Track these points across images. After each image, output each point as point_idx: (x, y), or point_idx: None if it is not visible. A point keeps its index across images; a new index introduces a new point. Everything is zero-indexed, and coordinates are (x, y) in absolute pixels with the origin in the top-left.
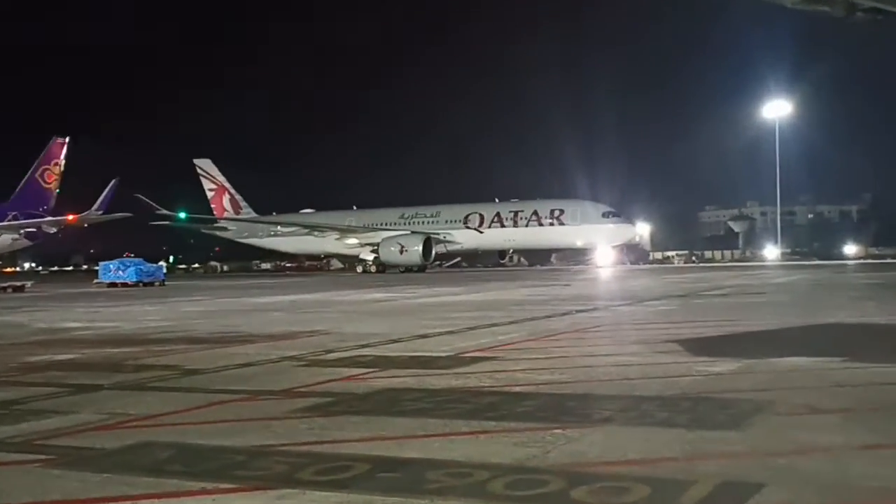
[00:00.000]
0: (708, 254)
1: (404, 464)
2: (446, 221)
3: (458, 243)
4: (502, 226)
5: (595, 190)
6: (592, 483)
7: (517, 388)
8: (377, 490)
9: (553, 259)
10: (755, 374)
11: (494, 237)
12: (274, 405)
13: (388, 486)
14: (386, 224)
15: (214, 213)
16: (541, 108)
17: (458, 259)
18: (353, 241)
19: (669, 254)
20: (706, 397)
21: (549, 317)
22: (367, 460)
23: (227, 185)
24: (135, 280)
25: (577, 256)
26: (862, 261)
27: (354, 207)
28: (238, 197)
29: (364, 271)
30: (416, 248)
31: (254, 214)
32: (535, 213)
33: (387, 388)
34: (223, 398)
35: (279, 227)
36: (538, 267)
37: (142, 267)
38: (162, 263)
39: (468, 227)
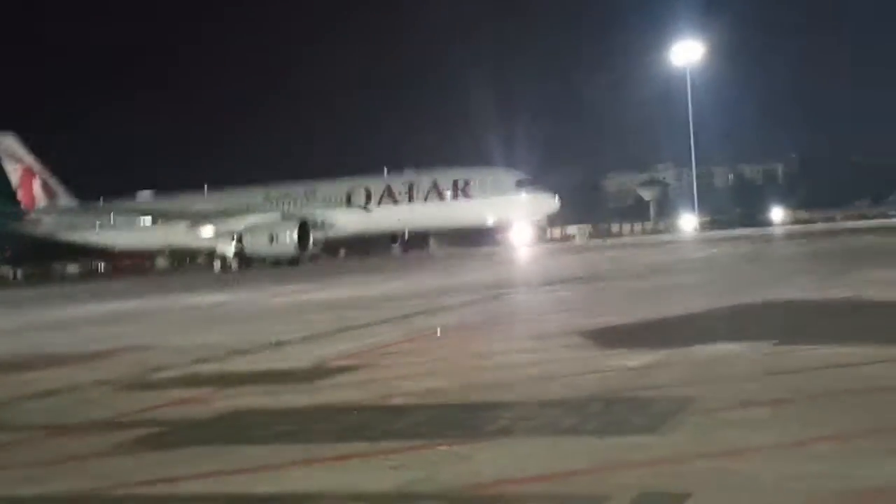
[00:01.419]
0: (615, 227)
1: (258, 501)
2: (324, 200)
3: (339, 226)
4: (395, 202)
5: (478, 154)
6: None
7: (393, 401)
8: None
9: (431, 243)
10: (675, 367)
11: (385, 217)
12: (90, 441)
13: None
14: (248, 207)
15: (22, 202)
16: (427, 63)
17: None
18: (208, 230)
19: (570, 230)
20: (619, 397)
21: (430, 312)
22: (212, 500)
23: (37, 166)
24: None
25: (480, 237)
26: (790, 227)
27: (206, 188)
28: (53, 181)
29: (224, 268)
30: (289, 234)
31: (76, 203)
32: (435, 184)
33: (232, 410)
34: (21, 437)
35: (112, 218)
36: (447, 250)
37: None
38: None
39: (352, 207)
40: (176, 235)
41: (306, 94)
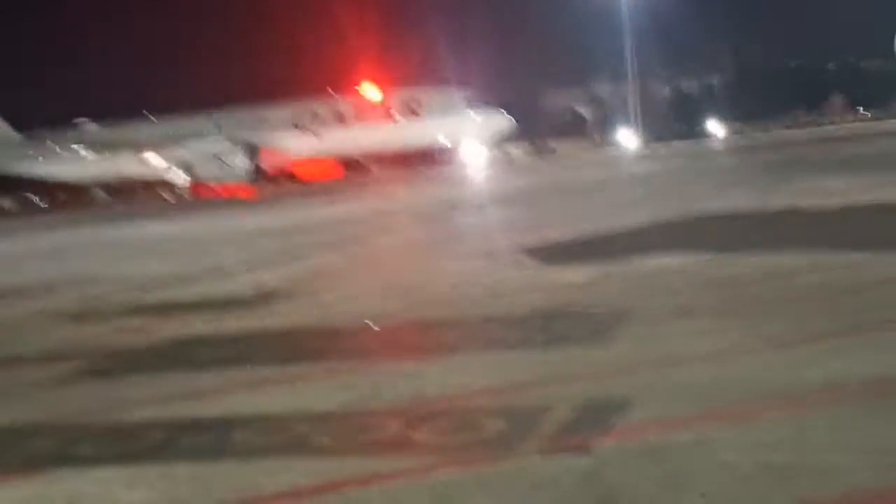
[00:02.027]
0: (554, 145)
1: (205, 426)
2: (272, 125)
3: (290, 152)
4: (344, 125)
5: (408, 72)
6: (436, 421)
7: (336, 323)
8: (176, 458)
9: (370, 168)
10: (615, 280)
11: (335, 141)
12: (31, 372)
13: (189, 453)
14: (196, 134)
15: None
16: None
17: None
18: (156, 158)
19: (508, 148)
20: (560, 311)
21: (370, 235)
22: (160, 426)
23: None
24: None
25: (423, 159)
26: (727, 139)
27: (148, 115)
28: None
29: (175, 197)
30: (238, 161)
31: (12, 134)
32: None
33: (175, 338)
34: None
35: (56, 148)
36: (404, 172)
37: None
38: None
39: (301, 131)
40: (125, 165)
41: (247, 13)
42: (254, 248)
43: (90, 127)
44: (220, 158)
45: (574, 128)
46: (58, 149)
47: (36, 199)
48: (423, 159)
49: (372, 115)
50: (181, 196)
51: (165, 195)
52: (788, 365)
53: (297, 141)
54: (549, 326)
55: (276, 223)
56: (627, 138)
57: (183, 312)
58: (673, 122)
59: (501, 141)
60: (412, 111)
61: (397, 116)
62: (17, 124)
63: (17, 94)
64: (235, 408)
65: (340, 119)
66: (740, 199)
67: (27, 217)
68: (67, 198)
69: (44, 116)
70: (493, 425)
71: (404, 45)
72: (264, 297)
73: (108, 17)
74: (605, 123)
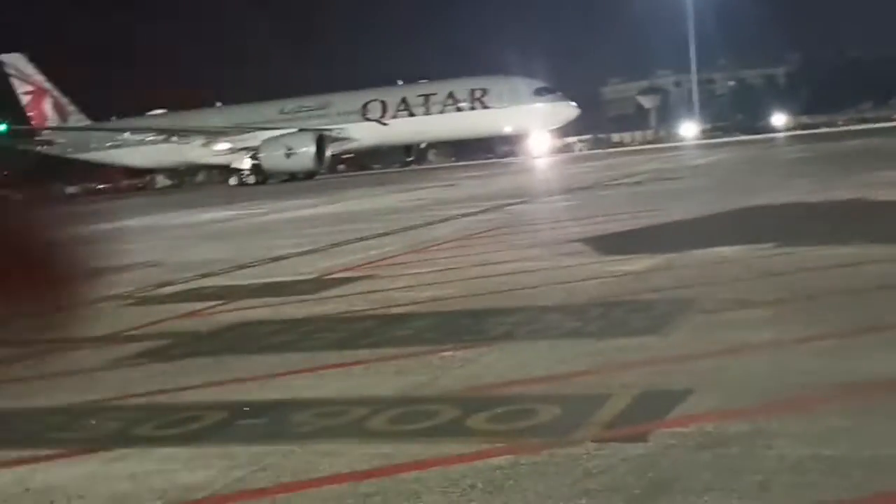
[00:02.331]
0: (615, 137)
1: (266, 408)
2: (339, 114)
3: (355, 140)
4: (411, 114)
5: (477, 63)
6: (492, 408)
7: (396, 310)
8: (236, 440)
9: (430, 157)
10: (675, 270)
11: (402, 129)
12: (98, 354)
13: (249, 434)
14: (263, 122)
15: (33, 122)
16: None
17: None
18: (223, 145)
19: (569, 140)
20: (619, 301)
21: (432, 223)
22: (221, 407)
23: (47, 85)
24: None
25: (484, 149)
26: (791, 132)
27: (219, 104)
28: (64, 100)
29: (240, 183)
30: (306, 148)
31: (87, 122)
32: (451, 95)
33: (237, 322)
34: (28, 350)
35: (126, 135)
36: (464, 162)
37: None
38: None
39: (368, 119)
40: (191, 152)
41: (316, 6)
42: (314, 235)
43: (157, 112)
44: (287, 146)
45: (636, 119)
46: (129, 135)
47: (100, 184)
48: (489, 148)
49: (438, 104)
50: (246, 183)
51: (232, 182)
52: (849, 357)
53: (363, 129)
54: (607, 315)
55: (338, 211)
56: (689, 130)
57: (243, 297)
58: (736, 113)
59: (565, 131)
60: (478, 100)
61: (463, 105)
62: (91, 113)
63: (92, 84)
64: (293, 391)
65: (407, 108)
66: (805, 191)
67: (92, 202)
68: (131, 183)
69: (117, 105)
70: (548, 412)
71: (471, 35)
72: (323, 283)
73: (178, 11)
74: (668, 115)
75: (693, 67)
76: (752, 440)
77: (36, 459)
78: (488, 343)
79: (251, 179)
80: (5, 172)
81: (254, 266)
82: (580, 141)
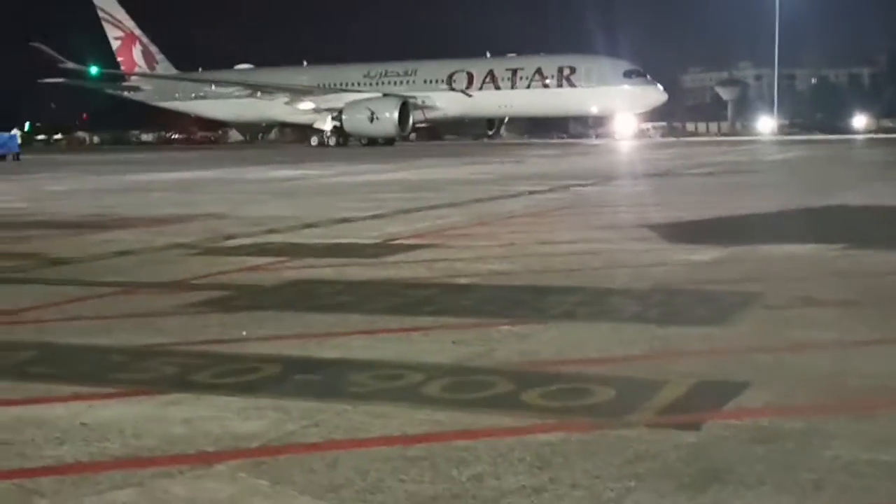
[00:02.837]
0: (690, 126)
1: (322, 365)
2: (425, 82)
3: (439, 109)
4: (496, 87)
5: (557, 40)
6: (546, 385)
7: (458, 280)
8: (289, 394)
9: (502, 132)
10: (742, 263)
11: (486, 102)
12: (160, 299)
13: (303, 390)
14: (347, 84)
15: (122, 67)
16: None
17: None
18: (307, 105)
19: (645, 126)
20: (683, 289)
21: (500, 198)
22: (277, 361)
23: (137, 31)
24: None
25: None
26: (873, 135)
27: (305, 63)
28: (153, 48)
29: (320, 143)
30: (389, 114)
31: (173, 71)
32: (539, 71)
33: (300, 279)
34: (96, 291)
35: (213, 87)
36: (537, 140)
37: None
38: (16, 132)
39: (453, 90)
40: (274, 109)
41: None
42: (384, 201)
43: (244, 67)
44: (371, 111)
45: (713, 110)
46: (214, 87)
47: (172, 134)
48: (563, 127)
49: (525, 79)
50: (327, 144)
51: (312, 141)
52: None
53: (448, 99)
54: (670, 302)
55: (411, 178)
56: (767, 125)
57: (307, 256)
58: (816, 112)
59: (641, 116)
60: (566, 78)
61: (550, 82)
62: (178, 62)
63: (182, 35)
64: (351, 352)
65: (493, 81)
66: (881, 194)
67: (164, 151)
68: (204, 136)
69: (206, 58)
70: (603, 394)
71: (552, 12)
72: (389, 249)
73: None
74: (745, 108)
75: (776, 62)
76: (808, 438)
77: (93, 396)
78: (547, 320)
79: (332, 141)
80: (84, 116)
81: (319, 226)
82: (654, 128)
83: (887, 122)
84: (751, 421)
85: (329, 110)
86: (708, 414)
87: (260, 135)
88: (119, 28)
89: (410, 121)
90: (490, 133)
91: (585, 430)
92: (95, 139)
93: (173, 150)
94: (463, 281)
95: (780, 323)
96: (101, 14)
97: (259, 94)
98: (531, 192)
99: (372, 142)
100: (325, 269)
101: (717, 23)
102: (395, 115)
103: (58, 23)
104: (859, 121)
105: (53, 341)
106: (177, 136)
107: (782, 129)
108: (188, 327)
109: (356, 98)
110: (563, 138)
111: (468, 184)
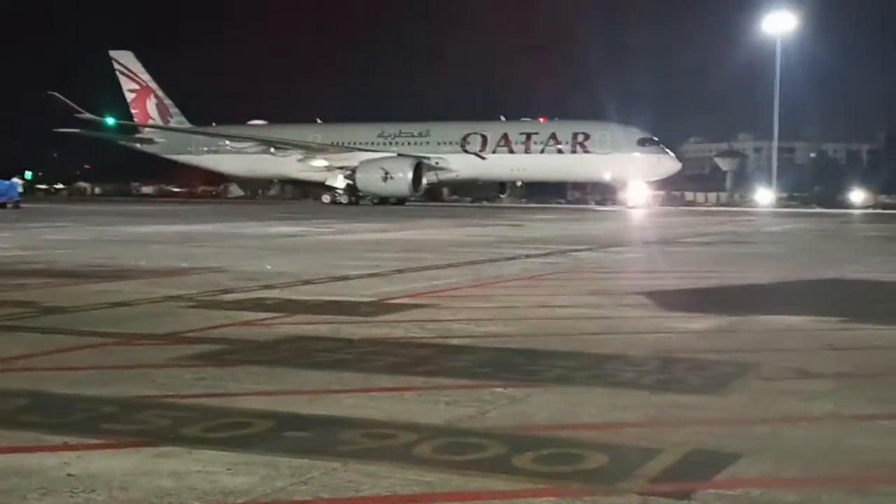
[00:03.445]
0: (689, 195)
1: (314, 422)
2: (438, 143)
3: (452, 171)
4: (510, 151)
5: (564, 108)
6: (539, 449)
7: (453, 341)
8: (281, 450)
9: (503, 197)
10: (738, 333)
11: (500, 165)
12: (155, 351)
13: (294, 447)
14: (360, 143)
15: (136, 119)
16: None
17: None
18: (321, 162)
19: (641, 193)
20: (679, 357)
21: (497, 261)
22: (270, 417)
23: (153, 85)
24: None
25: (598, 191)
26: (870, 210)
27: (319, 121)
28: (168, 102)
29: (333, 201)
30: (403, 174)
31: (187, 124)
32: (553, 136)
33: (295, 335)
34: (91, 341)
35: (227, 142)
36: (556, 203)
37: None
38: (16, 180)
39: (467, 152)
40: (288, 165)
41: (418, 39)
42: (382, 260)
43: (257, 123)
44: (385, 170)
45: (712, 180)
46: (228, 143)
47: (175, 188)
48: (561, 193)
49: (539, 144)
50: (339, 202)
51: (325, 199)
52: None
53: (461, 161)
54: (665, 370)
55: (410, 238)
56: (765, 196)
57: (303, 312)
58: (814, 185)
59: (595, 183)
60: (580, 143)
61: (564, 147)
62: (191, 116)
63: (196, 90)
64: (344, 410)
65: (507, 144)
66: (877, 269)
67: (164, 204)
68: (205, 190)
69: (217, 112)
70: (595, 459)
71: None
72: (385, 307)
73: (285, 30)
74: (744, 179)
75: (775, 134)
76: None
77: (82, 447)
78: (541, 384)
79: (344, 199)
80: (87, 166)
81: (317, 283)
82: (653, 196)
83: (885, 198)
84: (743, 491)
85: (342, 168)
86: (700, 483)
87: (261, 190)
88: (134, 81)
89: (424, 181)
90: (501, 196)
91: (577, 496)
92: (97, 190)
93: (174, 203)
94: (456, 342)
95: (775, 394)
96: (116, 66)
97: (273, 149)
98: (528, 256)
99: (383, 201)
100: (321, 326)
101: (718, 94)
102: (410, 175)
103: (73, 74)
104: (857, 195)
105: (45, 390)
106: (178, 189)
107: (780, 202)
108: (181, 380)
109: (370, 157)
110: (560, 204)
111: (466, 245)
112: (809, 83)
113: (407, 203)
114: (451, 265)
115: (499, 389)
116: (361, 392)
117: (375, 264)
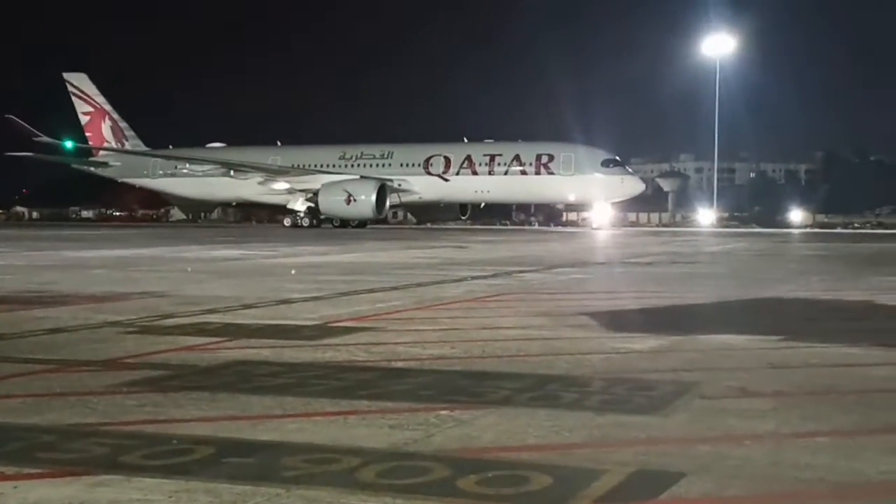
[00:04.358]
0: (632, 216)
1: (256, 448)
2: (401, 165)
3: (415, 193)
4: (474, 173)
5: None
6: (483, 471)
7: (397, 364)
8: (222, 477)
9: (464, 219)
10: (680, 353)
11: (463, 187)
12: (93, 378)
13: (236, 473)
14: (322, 165)
15: (90, 142)
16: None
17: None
18: (281, 185)
19: (585, 214)
20: (622, 377)
21: (441, 283)
22: (211, 443)
23: (107, 107)
24: None
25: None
26: (808, 229)
27: (279, 143)
28: (123, 124)
29: (294, 224)
30: (366, 196)
31: (143, 147)
32: (517, 157)
33: (237, 360)
34: (27, 368)
35: (187, 165)
36: (480, 226)
37: None
38: None
39: (430, 174)
40: (247, 188)
41: (374, 63)
42: (325, 283)
43: (216, 146)
44: (348, 192)
45: (654, 200)
46: (188, 166)
47: (116, 211)
48: (506, 214)
49: (503, 165)
50: (300, 225)
51: (286, 222)
52: (847, 456)
53: (425, 183)
54: (608, 390)
55: (353, 260)
56: (707, 216)
57: (245, 337)
58: (754, 205)
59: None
60: (544, 165)
61: (528, 169)
62: (150, 140)
63: (150, 110)
64: (286, 435)
65: (471, 166)
66: (816, 287)
67: (104, 228)
68: (146, 213)
69: (172, 135)
70: (540, 481)
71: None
72: (327, 331)
73: (247, 53)
74: (686, 200)
75: (715, 155)
76: None
77: (19, 476)
78: (486, 406)
79: (305, 222)
80: (25, 191)
81: (259, 307)
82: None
83: (822, 218)
84: None
85: (304, 191)
86: (645, 503)
87: (203, 214)
88: (89, 103)
89: (387, 204)
90: (462, 218)
91: None
92: (34, 214)
93: (114, 228)
94: (401, 365)
95: (717, 413)
96: (70, 89)
97: (233, 172)
98: (473, 278)
99: (344, 223)
100: (263, 351)
101: (659, 116)
102: (373, 197)
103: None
104: (796, 215)
105: None
106: (118, 213)
107: (721, 222)
108: (120, 407)
109: (333, 179)
110: (505, 225)
111: (411, 268)
112: (749, 104)
113: (368, 225)
114: (394, 287)
115: (444, 412)
116: (304, 416)
117: (318, 287)
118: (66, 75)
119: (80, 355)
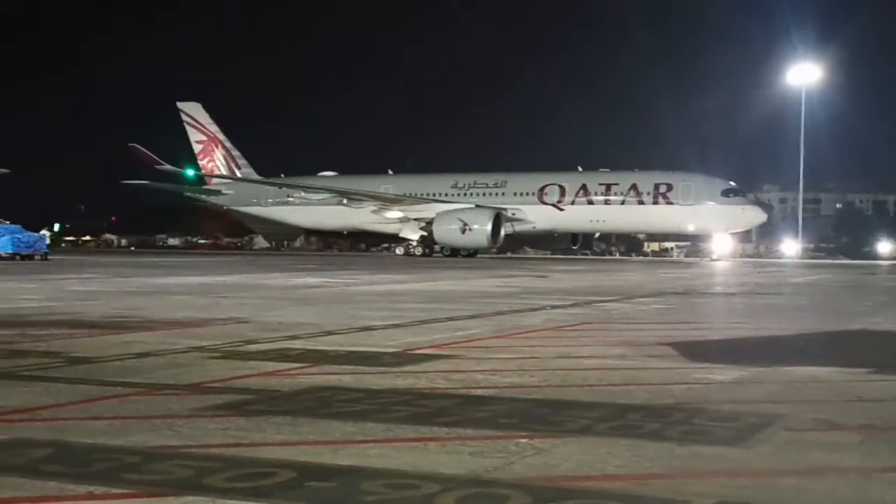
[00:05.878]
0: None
1: (337, 472)
2: (515, 194)
3: (529, 222)
4: (589, 202)
5: (582, 161)
6: (563, 500)
7: (477, 391)
8: (302, 500)
9: (575, 248)
10: (764, 385)
11: (578, 216)
12: (178, 401)
13: (317, 497)
14: (434, 194)
15: (203, 170)
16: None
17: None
18: (395, 213)
19: (668, 245)
20: (704, 408)
21: (520, 311)
22: (292, 467)
23: (220, 136)
24: (10, 251)
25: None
26: None
27: (390, 172)
28: (236, 153)
29: (407, 253)
30: (482, 226)
31: (256, 176)
32: (634, 187)
33: (318, 386)
34: (114, 391)
35: (302, 193)
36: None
37: (19, 236)
38: (45, 232)
39: (544, 203)
40: (360, 217)
41: (489, 92)
42: (406, 311)
43: (327, 174)
44: (464, 221)
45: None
46: (303, 194)
47: (198, 240)
48: (586, 244)
49: (619, 195)
50: (413, 253)
51: (398, 251)
52: None
53: (539, 212)
54: (690, 420)
55: (429, 289)
56: (791, 247)
57: (326, 363)
58: (841, 236)
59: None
60: (662, 195)
61: (646, 198)
62: (261, 169)
63: (262, 140)
64: (367, 460)
65: (586, 194)
66: None
67: (191, 255)
68: (230, 241)
69: (287, 165)
70: None
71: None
72: (408, 358)
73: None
74: (770, 231)
75: (800, 185)
76: None
77: (106, 496)
78: (565, 434)
79: (418, 250)
80: (112, 218)
81: (339, 333)
82: (678, 247)
83: None
84: None
85: (418, 220)
86: None
87: (286, 242)
88: (202, 132)
89: (502, 233)
90: (574, 248)
91: None
92: (123, 242)
93: (199, 255)
94: (480, 392)
95: (801, 446)
96: (184, 117)
97: (346, 201)
98: (552, 307)
99: (454, 252)
100: (344, 377)
101: (743, 146)
102: (489, 226)
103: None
104: (884, 247)
105: (69, 440)
106: (203, 240)
107: (806, 253)
108: (204, 430)
109: (448, 208)
110: (585, 254)
111: (491, 296)
112: (835, 134)
113: (479, 255)
114: (474, 316)
115: (523, 440)
116: (384, 442)
117: (398, 315)
118: (180, 105)
119: (166, 379)
